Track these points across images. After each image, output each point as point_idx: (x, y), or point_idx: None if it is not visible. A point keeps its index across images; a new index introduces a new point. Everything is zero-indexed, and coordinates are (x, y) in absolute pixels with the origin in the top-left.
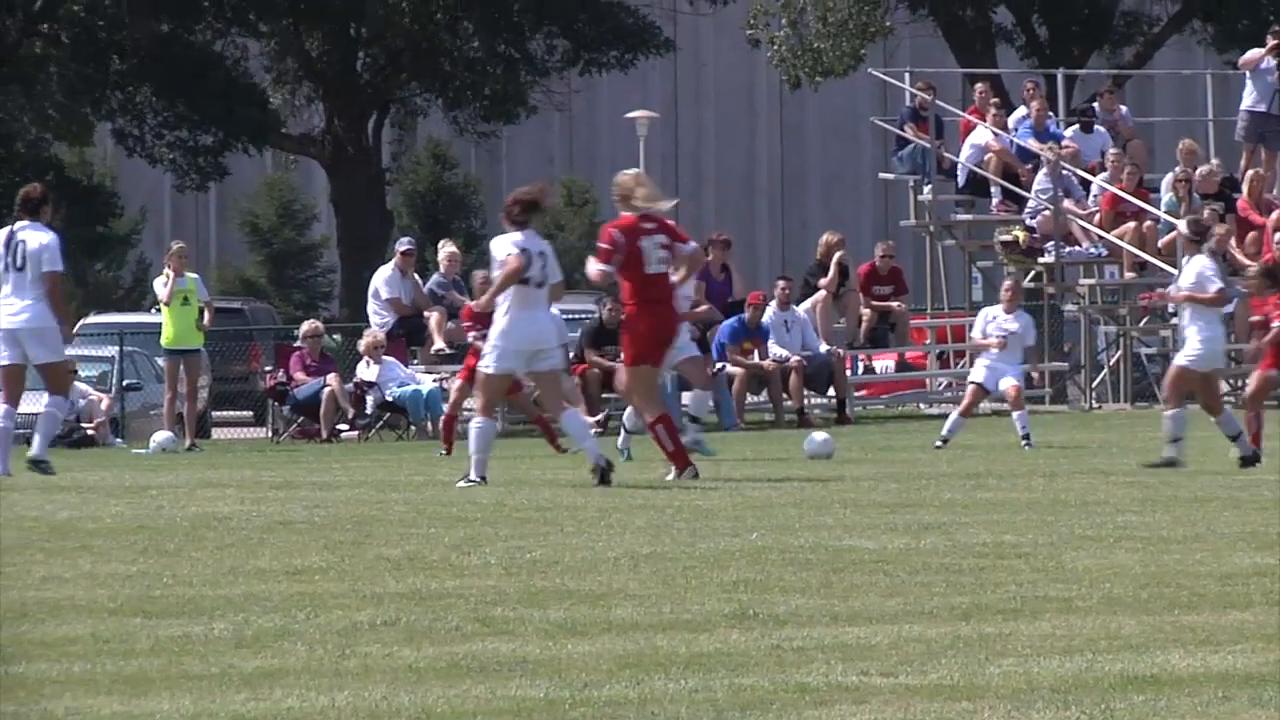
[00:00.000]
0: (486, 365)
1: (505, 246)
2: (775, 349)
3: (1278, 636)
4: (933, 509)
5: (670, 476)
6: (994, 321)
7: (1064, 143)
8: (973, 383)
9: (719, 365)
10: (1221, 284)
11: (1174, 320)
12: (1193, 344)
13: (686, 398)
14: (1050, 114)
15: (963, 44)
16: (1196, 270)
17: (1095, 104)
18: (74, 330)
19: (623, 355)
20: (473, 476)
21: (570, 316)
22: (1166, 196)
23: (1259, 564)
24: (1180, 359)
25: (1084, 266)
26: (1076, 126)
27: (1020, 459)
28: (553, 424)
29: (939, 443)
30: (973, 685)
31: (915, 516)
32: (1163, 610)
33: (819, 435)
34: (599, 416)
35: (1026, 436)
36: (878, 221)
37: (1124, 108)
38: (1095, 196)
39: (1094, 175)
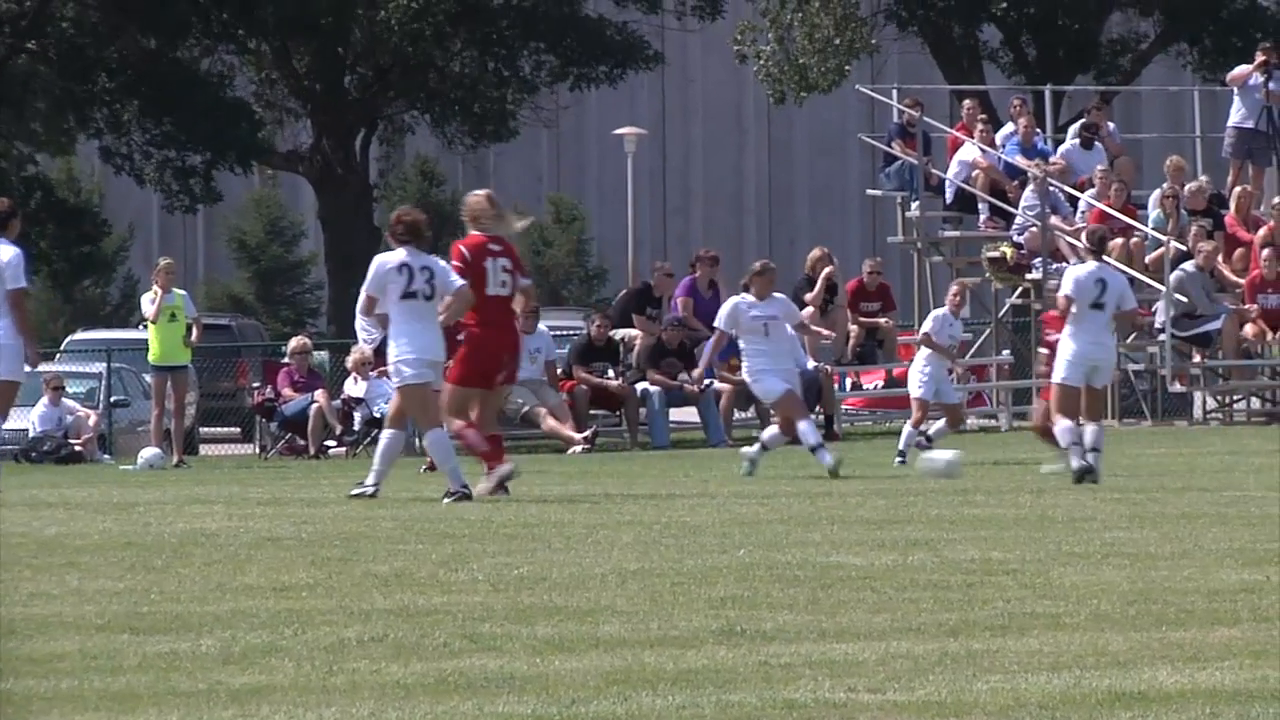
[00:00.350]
0: (401, 380)
1: (375, 265)
2: None
3: (1265, 653)
4: (920, 525)
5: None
6: (952, 326)
7: (1053, 159)
8: (917, 399)
9: (707, 382)
10: (1071, 293)
11: (1160, 337)
12: (1061, 357)
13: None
14: (1038, 130)
15: (950, 61)
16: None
17: (1088, 118)
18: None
19: (450, 370)
20: (453, 489)
21: (558, 333)
22: (1154, 213)
23: (1247, 580)
24: (1054, 375)
25: None
26: (1076, 141)
27: (1007, 476)
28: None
29: (898, 459)
30: (960, 702)
31: (903, 533)
32: (1150, 626)
33: (946, 454)
34: (588, 433)
35: (903, 453)
36: (865, 238)
37: (1112, 124)
38: (1083, 213)
39: (1083, 192)
